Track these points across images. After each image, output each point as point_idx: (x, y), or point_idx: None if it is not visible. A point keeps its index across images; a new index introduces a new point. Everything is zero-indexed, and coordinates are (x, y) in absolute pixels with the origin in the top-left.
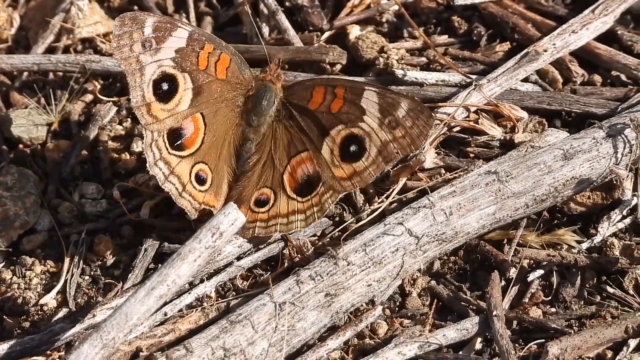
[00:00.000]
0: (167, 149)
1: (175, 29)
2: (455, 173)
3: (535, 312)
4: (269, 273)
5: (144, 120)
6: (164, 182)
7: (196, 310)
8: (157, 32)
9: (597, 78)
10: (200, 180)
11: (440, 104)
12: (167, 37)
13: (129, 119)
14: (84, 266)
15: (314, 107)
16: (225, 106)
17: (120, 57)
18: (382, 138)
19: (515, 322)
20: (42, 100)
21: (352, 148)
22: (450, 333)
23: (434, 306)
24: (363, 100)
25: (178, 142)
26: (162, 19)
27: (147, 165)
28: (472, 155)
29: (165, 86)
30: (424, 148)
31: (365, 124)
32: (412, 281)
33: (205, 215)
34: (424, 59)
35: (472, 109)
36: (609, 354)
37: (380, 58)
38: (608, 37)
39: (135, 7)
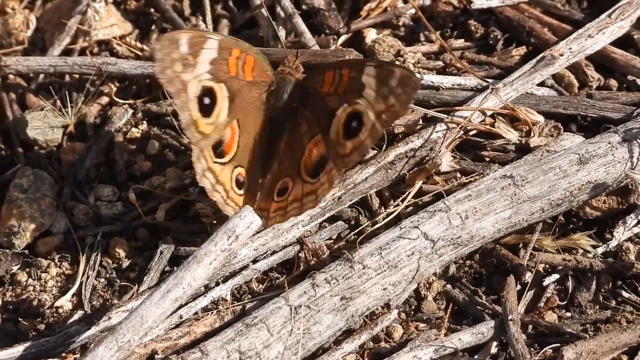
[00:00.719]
0: (212, 159)
1: (206, 41)
2: (471, 177)
3: (551, 317)
4: (285, 276)
5: (194, 138)
6: (211, 192)
7: (212, 313)
8: (192, 47)
9: (613, 82)
10: (239, 184)
11: (456, 107)
12: (200, 50)
13: (144, 122)
14: (100, 269)
15: (325, 90)
16: (253, 106)
17: (165, 80)
18: (377, 109)
19: (530, 327)
20: (58, 103)
21: (354, 124)
22: (466, 337)
23: (449, 310)
24: (364, 77)
25: (219, 150)
26: (193, 33)
27: (197, 177)
28: (487, 159)
29: (206, 100)
30: (440, 151)
31: (364, 98)
32: (427, 285)
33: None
34: (440, 63)
35: (489, 112)
36: (624, 358)
37: (396, 61)
38: (624, 42)
39: (152, 10)
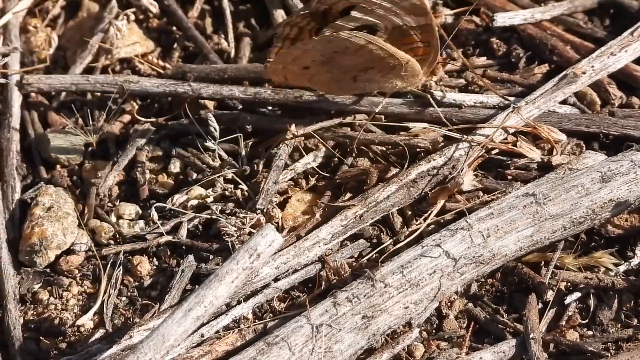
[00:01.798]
0: None
1: None
2: (493, 195)
3: (572, 335)
4: (306, 295)
5: None
6: None
7: (233, 331)
8: None
9: (635, 100)
10: None
11: (478, 125)
12: None
13: (166, 140)
14: (121, 287)
15: None
16: None
17: None
18: None
19: (552, 345)
20: (80, 121)
21: None
22: (487, 356)
23: (471, 328)
24: None
25: None
26: None
27: None
28: (510, 177)
29: None
30: (462, 170)
31: None
32: (449, 303)
33: None
34: (462, 81)
35: (511, 131)
36: None
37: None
38: None
39: (174, 28)
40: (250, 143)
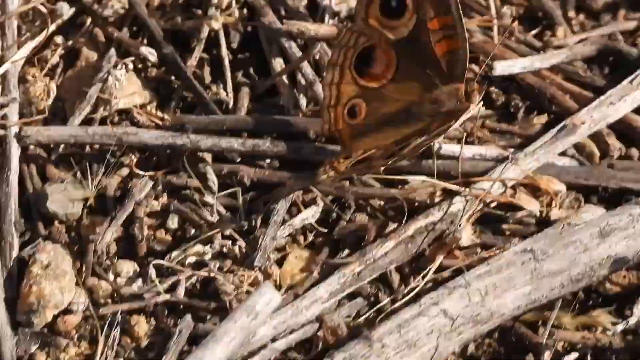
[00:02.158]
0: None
1: None
2: (491, 251)
3: None
4: (303, 356)
5: None
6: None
7: None
8: None
9: (634, 152)
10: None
11: (476, 178)
12: None
13: (164, 195)
14: (119, 348)
15: None
16: None
17: None
18: None
19: None
20: (79, 174)
21: None
22: None
23: None
24: None
25: None
26: None
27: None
28: (507, 232)
29: None
30: (460, 225)
31: None
32: None
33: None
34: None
35: (509, 184)
36: None
37: None
38: None
39: (172, 77)
40: (248, 197)
